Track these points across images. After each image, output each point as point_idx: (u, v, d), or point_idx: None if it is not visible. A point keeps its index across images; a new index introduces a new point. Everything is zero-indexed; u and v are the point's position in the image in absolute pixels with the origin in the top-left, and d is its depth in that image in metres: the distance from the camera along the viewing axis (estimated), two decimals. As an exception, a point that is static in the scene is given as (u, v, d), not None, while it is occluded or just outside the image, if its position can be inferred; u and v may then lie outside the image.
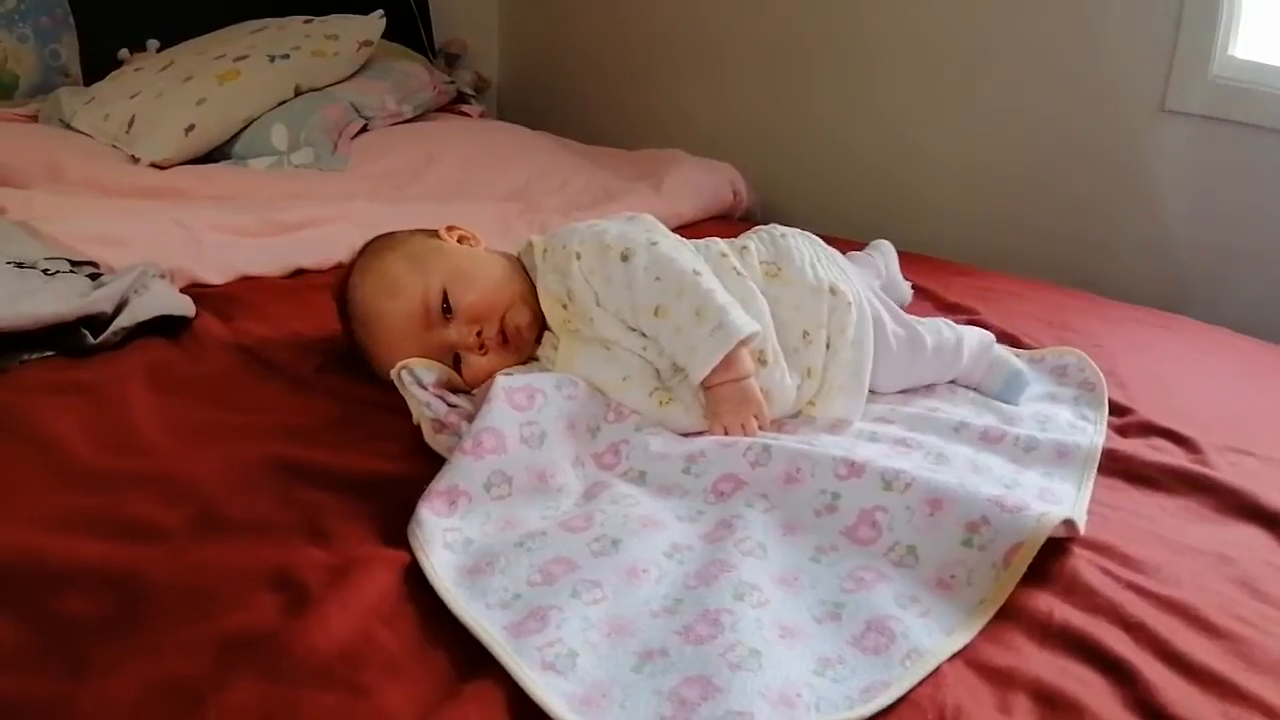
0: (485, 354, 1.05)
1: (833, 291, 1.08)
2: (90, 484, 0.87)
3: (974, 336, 1.20)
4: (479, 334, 1.04)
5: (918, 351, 1.14)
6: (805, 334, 1.07)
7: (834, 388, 1.07)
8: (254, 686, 0.65)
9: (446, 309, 1.04)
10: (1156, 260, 1.78)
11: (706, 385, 1.00)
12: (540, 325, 1.08)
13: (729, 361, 0.98)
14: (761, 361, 1.03)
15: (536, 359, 1.09)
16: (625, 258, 1.02)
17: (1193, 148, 1.72)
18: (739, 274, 1.08)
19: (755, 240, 1.15)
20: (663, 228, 1.12)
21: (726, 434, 0.98)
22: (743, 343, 0.99)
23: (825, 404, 1.07)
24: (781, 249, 1.13)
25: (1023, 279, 1.69)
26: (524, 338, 1.07)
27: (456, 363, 1.05)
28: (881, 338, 1.11)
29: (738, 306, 1.01)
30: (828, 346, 1.07)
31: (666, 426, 1.00)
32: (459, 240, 1.15)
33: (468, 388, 1.05)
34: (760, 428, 1.01)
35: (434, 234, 1.14)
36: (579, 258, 1.04)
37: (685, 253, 1.06)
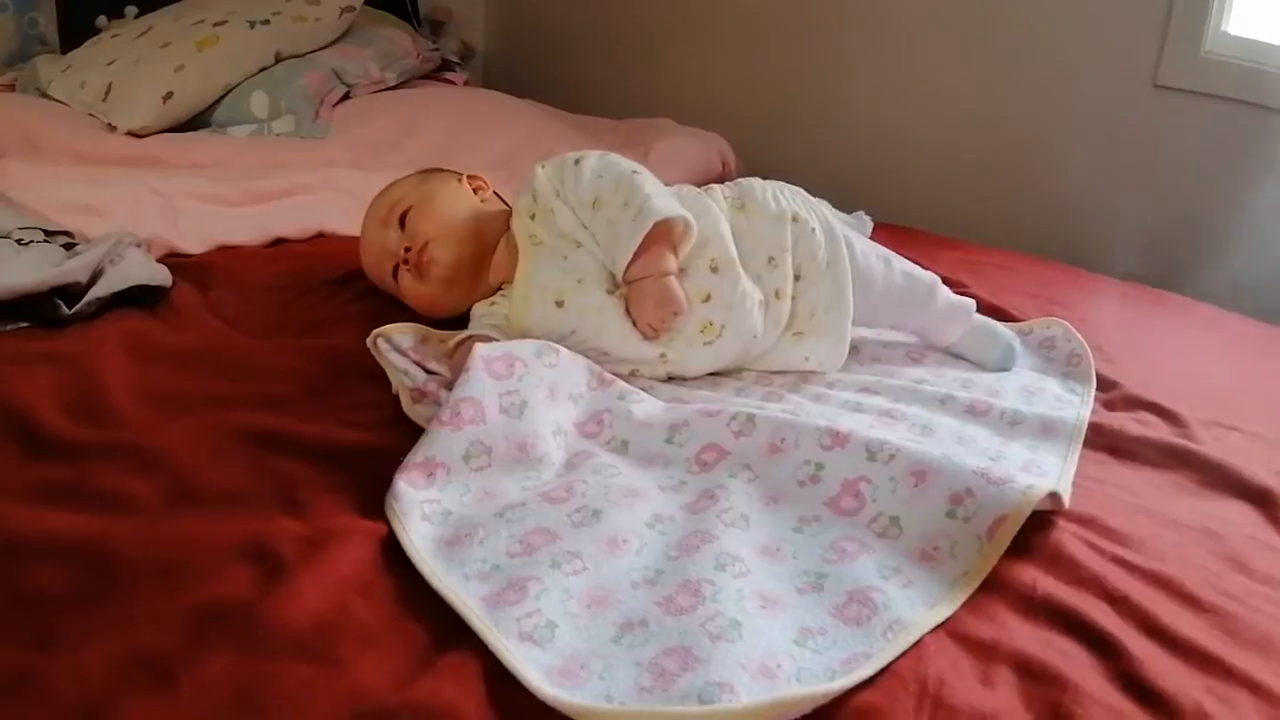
0: (409, 270, 1.14)
1: (794, 219, 1.12)
2: (63, 455, 0.86)
3: (950, 293, 1.22)
4: (406, 250, 1.14)
5: (891, 269, 1.17)
6: (770, 259, 1.10)
7: (819, 309, 1.10)
8: (227, 659, 0.64)
9: (403, 220, 1.16)
10: (1146, 236, 1.77)
11: (629, 280, 1.03)
12: (463, 272, 1.14)
13: (650, 253, 1.02)
14: (712, 269, 1.07)
15: (492, 309, 1.11)
16: (578, 161, 1.12)
17: (1184, 124, 1.71)
18: (700, 194, 1.13)
19: (721, 186, 1.20)
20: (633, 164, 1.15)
21: (647, 332, 1.04)
22: (662, 225, 1.02)
23: (814, 329, 1.10)
24: (744, 187, 1.17)
25: (1011, 253, 1.68)
26: (430, 270, 1.14)
27: (395, 273, 1.17)
28: (852, 257, 1.14)
29: (667, 197, 1.06)
30: (798, 277, 1.10)
31: (628, 330, 1.04)
32: (474, 190, 1.24)
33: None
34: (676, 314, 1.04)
35: (460, 178, 1.25)
36: (543, 168, 1.14)
37: (639, 166, 1.10)
